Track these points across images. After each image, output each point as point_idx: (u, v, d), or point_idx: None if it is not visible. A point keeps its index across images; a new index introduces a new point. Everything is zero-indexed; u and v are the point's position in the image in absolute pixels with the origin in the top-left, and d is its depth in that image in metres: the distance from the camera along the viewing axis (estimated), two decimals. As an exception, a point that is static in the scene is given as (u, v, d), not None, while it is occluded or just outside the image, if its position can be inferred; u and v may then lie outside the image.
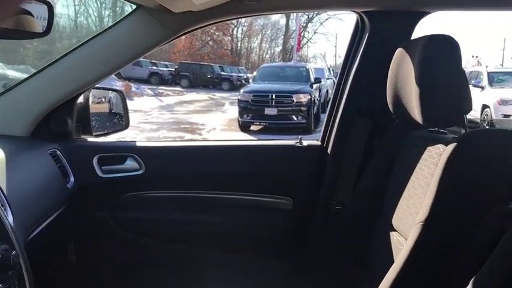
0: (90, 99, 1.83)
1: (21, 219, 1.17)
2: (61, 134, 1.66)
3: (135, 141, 1.81)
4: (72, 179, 1.63)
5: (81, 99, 1.73)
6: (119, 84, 18.65)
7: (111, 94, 2.01)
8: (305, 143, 1.79)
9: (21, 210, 1.18)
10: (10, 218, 1.12)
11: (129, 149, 1.75)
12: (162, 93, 20.24)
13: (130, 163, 1.74)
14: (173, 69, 26.34)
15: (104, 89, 1.96)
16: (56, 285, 1.56)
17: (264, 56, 41.20)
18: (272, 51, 41.52)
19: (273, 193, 1.78)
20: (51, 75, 1.56)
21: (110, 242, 1.76)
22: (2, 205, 1.11)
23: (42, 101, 1.59)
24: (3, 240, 1.04)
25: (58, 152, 1.60)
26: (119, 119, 1.98)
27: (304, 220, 1.77)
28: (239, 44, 39.32)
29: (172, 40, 1.62)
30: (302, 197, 1.77)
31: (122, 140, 1.94)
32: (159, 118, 12.56)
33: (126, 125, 1.98)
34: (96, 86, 1.75)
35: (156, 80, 24.66)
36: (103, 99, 2.00)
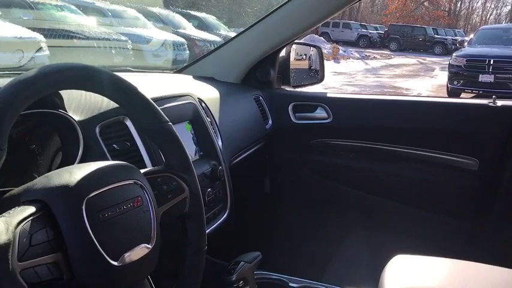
0: (293, 56, 2.06)
1: (227, 146, 1.46)
2: (264, 83, 1.92)
3: (326, 93, 1.97)
4: (270, 121, 1.89)
5: (282, 53, 1.96)
6: (327, 47, 19.07)
7: (312, 51, 2.20)
8: (499, 103, 1.70)
9: (228, 138, 1.48)
10: (220, 143, 1.42)
11: (320, 99, 1.92)
12: (369, 56, 19.99)
13: (320, 112, 1.92)
14: (383, 32, 25.64)
15: (303, 44, 2.16)
16: (252, 208, 1.86)
17: (487, 17, 36.83)
18: (498, 11, 36.77)
19: (459, 152, 1.76)
20: (258, 32, 1.81)
21: (297, 179, 1.99)
22: (214, 132, 1.41)
23: (252, 53, 1.86)
24: (214, 157, 1.34)
25: (261, 97, 1.88)
26: (315, 73, 2.17)
27: (489, 182, 1.71)
28: (458, 5, 35.84)
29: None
30: (490, 158, 1.71)
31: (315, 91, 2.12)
32: (362, 81, 12.55)
33: (321, 79, 2.16)
34: (297, 41, 1.95)
35: (365, 42, 24.42)
36: (303, 57, 2.21)
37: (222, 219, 1.31)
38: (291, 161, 1.98)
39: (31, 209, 0.63)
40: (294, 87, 2.03)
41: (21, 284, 0.58)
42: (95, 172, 0.72)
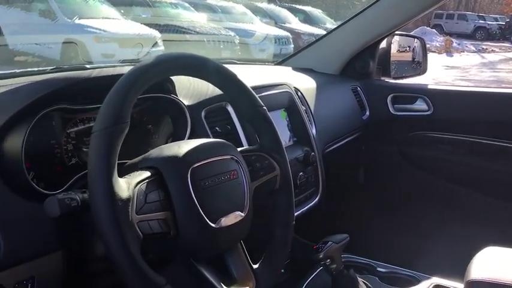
0: (396, 47, 2.05)
1: (321, 134, 1.52)
2: (363, 74, 1.94)
3: (426, 84, 1.94)
4: (367, 112, 1.91)
5: (383, 44, 1.96)
6: (439, 40, 18.06)
7: (415, 43, 2.17)
8: None
9: (322, 127, 1.53)
10: (313, 131, 1.48)
11: (420, 91, 1.89)
12: (486, 49, 18.56)
13: (420, 104, 1.89)
14: (503, 23, 23.61)
15: (406, 35, 2.14)
16: (344, 196, 1.89)
17: None
18: None
19: None
20: (358, 23, 1.83)
21: (393, 171, 1.98)
22: (309, 120, 1.47)
23: (351, 45, 1.89)
24: (307, 144, 1.41)
25: (359, 88, 1.90)
26: (417, 65, 2.14)
27: None
28: None
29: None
30: None
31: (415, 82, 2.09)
32: (476, 76, 11.72)
33: (423, 71, 2.12)
34: (398, 32, 1.94)
35: (482, 34, 22.68)
36: (407, 49, 2.18)
37: (313, 202, 1.38)
38: (387, 152, 1.98)
39: (147, 174, 0.76)
40: (395, 78, 2.02)
41: (137, 233, 0.71)
42: (199, 147, 0.83)
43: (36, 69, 1.27)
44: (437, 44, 17.13)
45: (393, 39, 1.99)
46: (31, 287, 0.82)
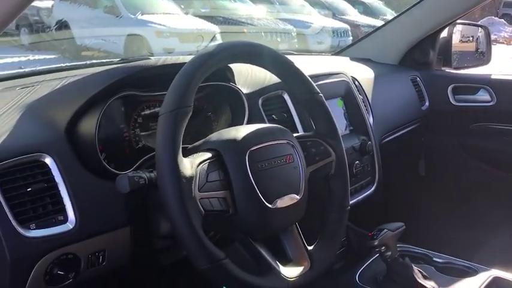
0: (458, 37, 1.99)
1: (379, 123, 1.51)
2: (423, 64, 1.91)
3: (489, 74, 1.87)
4: (427, 103, 1.87)
5: (444, 34, 1.91)
6: (508, 30, 17.06)
7: (479, 33, 2.10)
8: None
9: (380, 116, 1.53)
10: (370, 120, 1.48)
11: (482, 81, 1.83)
12: None
13: (482, 94, 1.83)
14: None
15: (469, 24, 2.07)
16: (401, 186, 1.87)
17: None
18: None
19: None
20: (417, 13, 1.80)
21: (453, 163, 1.93)
22: (366, 109, 1.47)
23: (410, 34, 1.86)
24: (364, 133, 1.41)
25: (418, 78, 1.87)
26: (481, 55, 2.07)
27: None
28: None
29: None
30: None
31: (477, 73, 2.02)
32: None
33: (487, 61, 2.05)
34: (460, 21, 1.89)
35: None
36: (470, 38, 2.12)
37: (369, 191, 1.38)
38: (447, 144, 1.93)
39: (208, 155, 0.81)
40: (456, 68, 1.97)
41: (199, 208, 0.76)
42: (257, 131, 0.87)
43: (104, 60, 1.36)
44: (506, 35, 16.19)
45: (455, 29, 1.93)
46: (102, 259, 0.90)
